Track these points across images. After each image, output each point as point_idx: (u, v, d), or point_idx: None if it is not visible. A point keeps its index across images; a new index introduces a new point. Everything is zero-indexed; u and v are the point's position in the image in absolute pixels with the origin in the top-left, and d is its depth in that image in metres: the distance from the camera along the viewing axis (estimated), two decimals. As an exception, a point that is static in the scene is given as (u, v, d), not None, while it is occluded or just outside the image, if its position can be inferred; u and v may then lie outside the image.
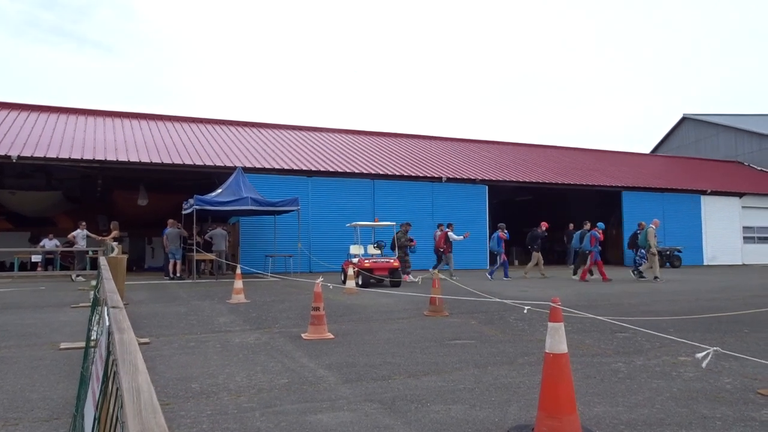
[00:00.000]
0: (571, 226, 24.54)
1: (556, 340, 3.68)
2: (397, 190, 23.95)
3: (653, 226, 17.80)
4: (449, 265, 17.93)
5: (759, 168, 37.67)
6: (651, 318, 8.22)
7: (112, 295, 2.70)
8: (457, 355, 6.34)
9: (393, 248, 17.09)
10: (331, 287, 9.93)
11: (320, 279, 8.05)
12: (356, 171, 23.49)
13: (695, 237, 28.74)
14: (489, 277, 18.21)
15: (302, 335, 7.46)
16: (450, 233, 18.19)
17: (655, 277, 17.08)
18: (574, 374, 5.27)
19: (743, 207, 30.31)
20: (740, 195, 30.56)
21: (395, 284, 14.96)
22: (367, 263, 14.97)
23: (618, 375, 5.35)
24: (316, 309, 7.50)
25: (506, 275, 18.47)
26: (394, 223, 16.94)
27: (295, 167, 22.69)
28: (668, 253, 26.57)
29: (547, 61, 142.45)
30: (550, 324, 3.72)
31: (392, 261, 15.24)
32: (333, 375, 5.42)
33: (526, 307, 5.59)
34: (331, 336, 7.42)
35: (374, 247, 16.54)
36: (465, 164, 28.10)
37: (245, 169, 20.07)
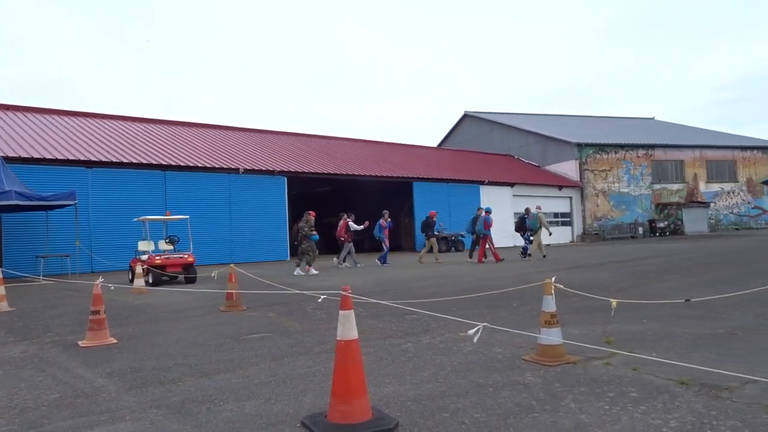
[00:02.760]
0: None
1: (347, 327, 3.74)
2: (192, 182, 22.80)
3: (540, 212, 19.77)
4: (351, 254, 18.38)
5: (527, 161, 42.76)
6: (438, 299, 8.84)
7: None
8: (254, 349, 6.19)
9: (295, 240, 16.75)
10: (112, 288, 9.08)
11: (100, 279, 7.31)
12: (145, 161, 21.83)
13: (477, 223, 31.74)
14: (378, 262, 19.09)
15: (79, 343, 6.72)
16: (350, 222, 18.29)
17: (544, 255, 19.20)
18: (367, 357, 5.45)
19: (514, 195, 34.20)
20: (512, 185, 34.43)
21: (190, 280, 14.22)
22: (158, 260, 14.01)
23: (407, 354, 5.66)
24: (96, 313, 6.81)
25: (384, 261, 19.04)
26: (188, 216, 16.07)
27: (72, 157, 20.36)
28: (453, 238, 29.04)
29: (344, 56, 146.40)
30: (341, 312, 3.76)
31: (186, 256, 14.45)
32: (114, 384, 4.95)
33: (322, 296, 5.64)
34: (114, 341, 6.79)
35: (166, 243, 15.54)
36: (263, 155, 27.72)
37: (7, 159, 17.56)
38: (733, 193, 42.36)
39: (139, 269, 13.21)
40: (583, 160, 38.10)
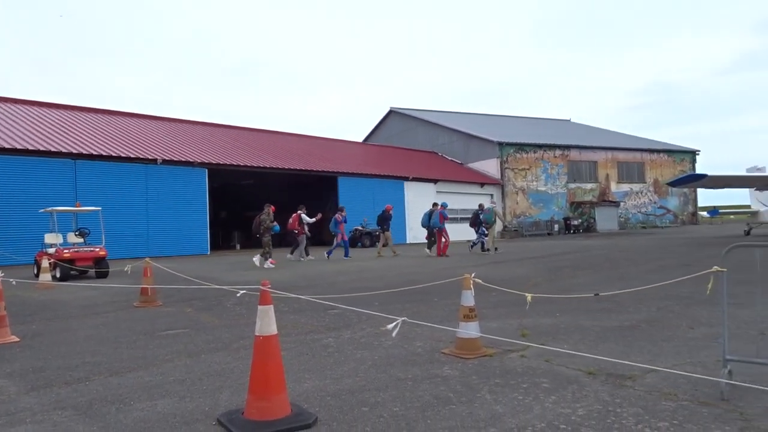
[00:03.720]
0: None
1: (266, 322, 3.67)
2: (105, 172, 21.74)
3: (495, 206, 21.06)
4: (300, 247, 18.50)
5: (450, 158, 43.60)
6: (361, 294, 8.86)
7: None
8: (169, 346, 5.98)
9: (257, 233, 16.65)
10: (14, 283, 8.54)
11: (0, 273, 6.84)
12: (53, 149, 20.62)
13: (399, 218, 32.01)
14: (326, 255, 19.29)
15: (-24, 342, 6.26)
16: (303, 215, 18.39)
17: (495, 248, 20.04)
18: (288, 353, 5.39)
19: (437, 192, 34.78)
20: (435, 181, 35.00)
21: (102, 275, 13.56)
22: (66, 253, 13.27)
23: (327, 350, 5.63)
24: (-5, 309, 6.36)
25: (330, 253, 19.52)
26: (99, 208, 15.31)
27: (-28, 142, 18.96)
28: (378, 233, 29.16)
29: (271, 48, 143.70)
30: (259, 307, 3.69)
31: (98, 250, 13.77)
32: (14, 384, 4.65)
33: (241, 291, 5.51)
34: (16, 339, 6.39)
35: (76, 235, 14.75)
36: (183, 146, 26.82)
37: None
38: (641, 193, 44.91)
39: (45, 263, 12.48)
40: (504, 158, 39.26)
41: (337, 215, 20.05)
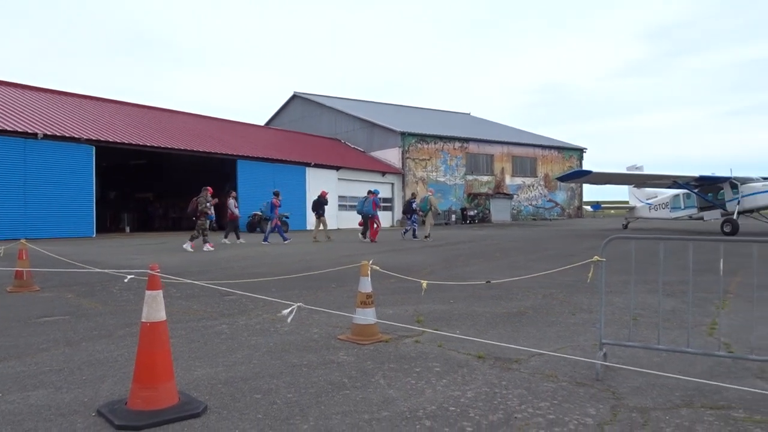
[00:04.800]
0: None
1: (154, 308, 3.50)
2: (-23, 145, 19.84)
3: (432, 195, 22.13)
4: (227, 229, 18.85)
5: (353, 146, 43.67)
6: (258, 279, 8.69)
7: None
8: (45, 333, 5.57)
9: (193, 216, 16.35)
10: None
11: None
12: None
13: (300, 204, 31.70)
14: (265, 242, 19.20)
15: None
16: (230, 200, 18.74)
17: (426, 236, 20.67)
18: (178, 340, 5.19)
19: (339, 179, 34.77)
20: (337, 168, 34.95)
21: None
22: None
23: (221, 336, 5.47)
24: None
25: (265, 239, 19.64)
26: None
27: None
28: (278, 220, 28.74)
29: (171, 24, 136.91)
30: (147, 292, 3.51)
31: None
32: None
33: (128, 276, 5.22)
34: None
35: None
36: (68, 120, 24.98)
37: None
38: (533, 187, 47.20)
39: None
40: (406, 148, 39.86)
41: (273, 199, 20.03)
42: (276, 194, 20.31)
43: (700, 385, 3.90)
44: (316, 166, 33.45)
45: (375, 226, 20.08)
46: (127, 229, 30.04)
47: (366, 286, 5.25)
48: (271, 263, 12.50)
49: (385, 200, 39.14)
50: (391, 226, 36.95)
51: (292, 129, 45.91)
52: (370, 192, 20.72)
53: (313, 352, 4.90)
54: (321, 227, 20.87)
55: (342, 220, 33.35)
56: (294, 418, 3.38)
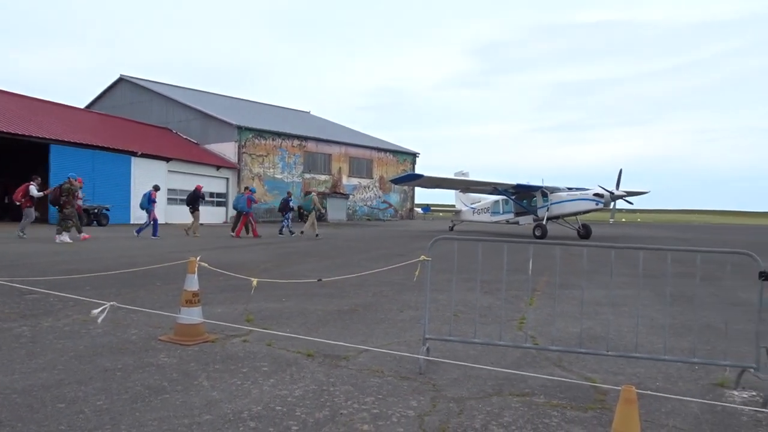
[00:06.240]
0: None
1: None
2: None
3: (314, 194, 23.30)
4: (25, 221, 16.70)
5: (186, 137, 41.53)
6: (70, 276, 7.89)
7: None
8: None
9: (56, 204, 15.84)
10: None
11: None
12: None
13: (124, 196, 29.44)
14: (136, 234, 18.64)
15: None
16: (32, 187, 16.85)
17: (300, 232, 21.69)
18: (-37, 346, 4.52)
19: (169, 171, 32.84)
20: (168, 159, 32.99)
21: None
22: None
23: (20, 340, 4.87)
24: None
25: (139, 231, 18.83)
26: None
27: None
28: (96, 211, 26.43)
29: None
30: None
31: None
32: None
33: None
34: None
35: None
36: None
37: None
38: (368, 188, 48.50)
39: None
40: (243, 143, 38.80)
41: (152, 191, 19.36)
42: (156, 188, 19.82)
43: (509, 375, 4.24)
44: (144, 156, 31.27)
45: (251, 223, 20.71)
46: None
47: (192, 283, 4.99)
48: (88, 258, 11.44)
49: (219, 195, 37.79)
50: (224, 222, 35.74)
51: (117, 114, 42.47)
52: (246, 189, 21.40)
53: (129, 354, 4.55)
54: (194, 221, 20.85)
55: (171, 214, 31.55)
56: (103, 427, 3.10)
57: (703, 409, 3.66)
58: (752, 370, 4.02)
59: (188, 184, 32.57)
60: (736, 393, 4.05)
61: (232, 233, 20.67)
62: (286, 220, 22.60)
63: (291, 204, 22.89)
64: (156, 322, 5.67)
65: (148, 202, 19.36)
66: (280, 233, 22.26)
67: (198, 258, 5.11)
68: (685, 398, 3.79)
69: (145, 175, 29.73)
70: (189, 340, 4.93)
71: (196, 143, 40.68)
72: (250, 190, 21.28)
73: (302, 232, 22.14)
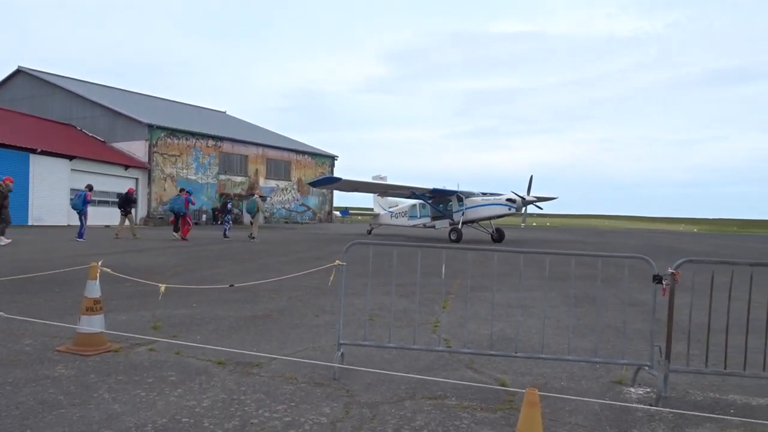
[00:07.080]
0: None
1: None
2: None
3: (258, 197, 23.16)
4: None
5: (91, 134, 39.40)
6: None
7: None
8: None
9: None
10: None
11: None
12: None
13: (21, 196, 27.45)
14: (79, 239, 17.73)
15: None
16: None
17: (252, 236, 21.24)
18: None
19: (72, 170, 31.03)
20: (71, 158, 31.16)
21: None
22: None
23: None
24: None
25: (81, 236, 18.05)
26: None
27: None
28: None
29: None
30: None
31: None
32: None
33: None
34: None
35: None
36: None
37: None
38: (286, 190, 47.87)
39: None
40: (154, 142, 37.26)
41: (88, 193, 19.13)
42: (89, 188, 19.78)
43: (422, 379, 4.29)
44: (44, 153, 29.39)
45: (187, 224, 20.74)
46: None
47: (93, 290, 4.73)
48: (-23, 264, 10.59)
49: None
50: (134, 225, 34.13)
51: (14, 108, 39.69)
52: (182, 190, 21.42)
53: (22, 367, 4.23)
54: (127, 224, 20.88)
55: (72, 215, 29.77)
56: (-11, 449, 2.86)
57: (603, 407, 3.85)
58: (647, 367, 4.27)
59: (95, 184, 30.94)
60: (632, 390, 4.30)
61: (175, 234, 20.71)
62: (226, 223, 23.38)
63: (229, 206, 23.95)
64: (53, 332, 5.31)
65: (83, 204, 18.78)
66: (225, 236, 22.44)
67: (100, 263, 4.84)
68: (584, 399, 3.98)
69: (45, 174, 28.02)
70: (89, 350, 4.66)
71: (103, 141, 38.70)
72: (188, 191, 21.33)
73: (253, 238, 21.56)
